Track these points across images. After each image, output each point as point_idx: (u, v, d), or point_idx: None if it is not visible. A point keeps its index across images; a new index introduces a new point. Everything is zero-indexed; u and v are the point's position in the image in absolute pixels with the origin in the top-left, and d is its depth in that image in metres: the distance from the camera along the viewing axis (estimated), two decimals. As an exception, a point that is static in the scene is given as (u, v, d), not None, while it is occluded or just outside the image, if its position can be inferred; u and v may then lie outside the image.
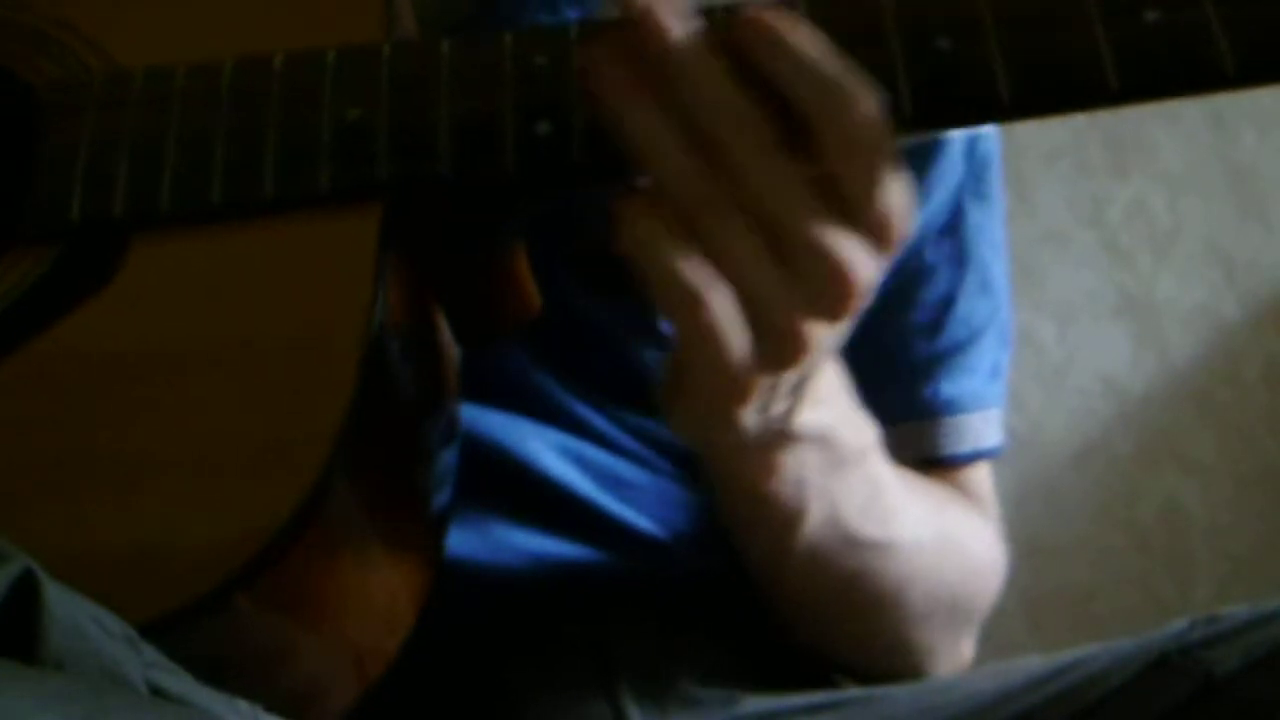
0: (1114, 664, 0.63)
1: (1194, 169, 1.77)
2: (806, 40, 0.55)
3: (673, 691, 0.73)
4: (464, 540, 0.70)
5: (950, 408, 0.81)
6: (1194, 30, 0.55)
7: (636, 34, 0.56)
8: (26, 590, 0.45)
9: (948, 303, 0.81)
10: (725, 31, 0.56)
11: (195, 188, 0.59)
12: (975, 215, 0.83)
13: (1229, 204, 1.76)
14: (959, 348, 0.82)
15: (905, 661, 0.78)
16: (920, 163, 0.80)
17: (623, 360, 0.76)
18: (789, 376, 0.58)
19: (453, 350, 0.64)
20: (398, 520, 0.60)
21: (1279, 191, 1.76)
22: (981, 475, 0.84)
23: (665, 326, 0.75)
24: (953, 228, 0.82)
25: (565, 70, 0.58)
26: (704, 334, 0.56)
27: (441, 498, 0.63)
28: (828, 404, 0.64)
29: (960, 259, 0.82)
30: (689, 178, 0.55)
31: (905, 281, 0.81)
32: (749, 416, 0.59)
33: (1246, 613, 0.61)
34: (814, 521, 0.68)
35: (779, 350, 0.56)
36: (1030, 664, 0.69)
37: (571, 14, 0.75)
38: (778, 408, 0.60)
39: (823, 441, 0.65)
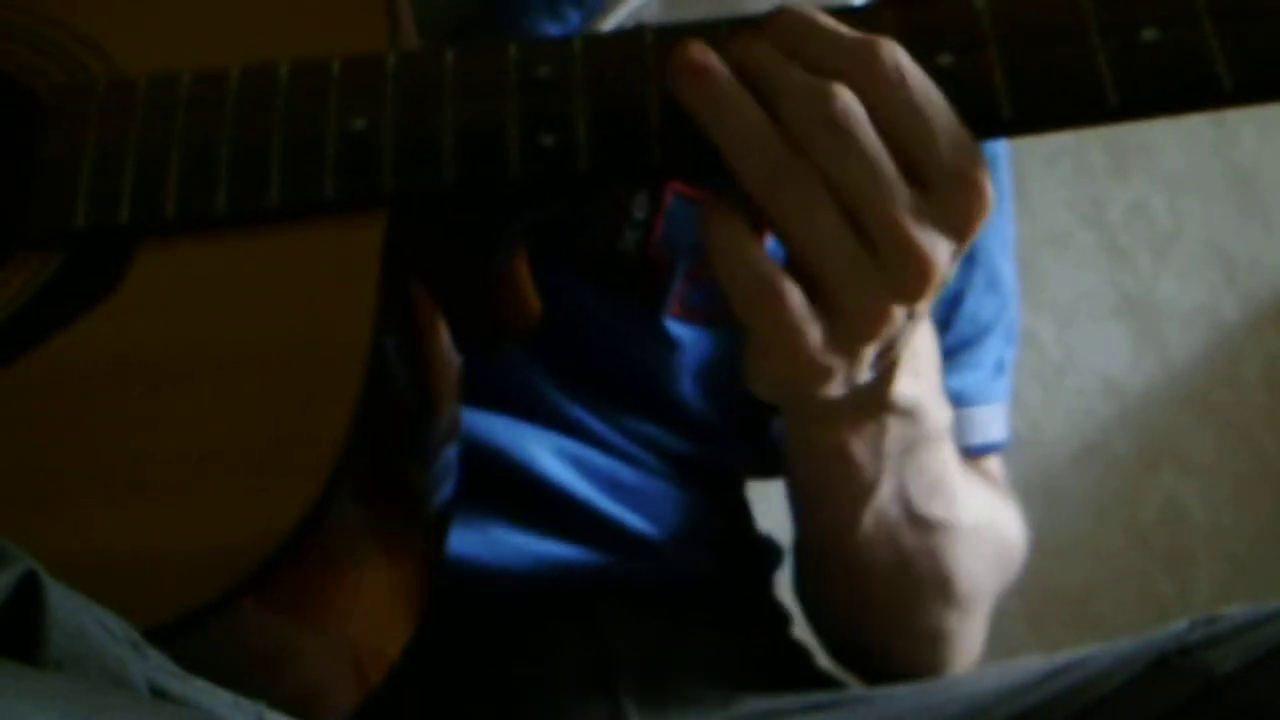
0: (1114, 664, 0.63)
1: (1194, 169, 1.77)
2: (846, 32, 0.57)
3: (672, 692, 0.73)
4: (464, 542, 0.70)
5: (957, 400, 0.82)
6: (1192, 48, 0.55)
7: (724, 33, 0.57)
8: (29, 592, 0.45)
9: (956, 300, 0.82)
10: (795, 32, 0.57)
11: (200, 195, 0.59)
12: None
13: (1229, 204, 1.77)
14: (965, 344, 0.82)
15: (933, 651, 0.79)
16: None
17: (626, 361, 0.76)
18: (869, 351, 0.60)
19: (454, 356, 0.64)
20: (400, 524, 0.60)
21: (1279, 191, 1.77)
22: (995, 467, 0.85)
23: (671, 326, 0.76)
24: None
25: (569, 81, 0.58)
26: (782, 328, 0.57)
27: (441, 494, 0.63)
28: (923, 378, 0.66)
29: (969, 256, 0.82)
30: (775, 161, 0.56)
31: None
32: (835, 389, 0.60)
33: (1246, 613, 0.61)
34: (884, 494, 0.69)
35: (857, 331, 0.58)
36: (1030, 664, 0.69)
37: (574, 16, 0.75)
38: (864, 376, 0.61)
39: (911, 415, 0.66)
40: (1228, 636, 0.60)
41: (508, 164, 0.58)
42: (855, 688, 0.79)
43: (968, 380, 0.82)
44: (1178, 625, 0.63)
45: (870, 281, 0.56)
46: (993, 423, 0.84)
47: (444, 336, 0.63)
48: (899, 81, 0.55)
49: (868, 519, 0.70)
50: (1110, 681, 0.62)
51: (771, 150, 0.56)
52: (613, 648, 0.73)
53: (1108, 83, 0.55)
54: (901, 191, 0.55)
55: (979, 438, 0.83)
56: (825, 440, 0.67)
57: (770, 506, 0.89)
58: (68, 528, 0.54)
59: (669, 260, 0.74)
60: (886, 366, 0.62)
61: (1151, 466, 1.72)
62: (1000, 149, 0.84)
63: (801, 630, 0.83)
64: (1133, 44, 0.55)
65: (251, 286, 0.58)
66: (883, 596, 0.76)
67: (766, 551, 0.84)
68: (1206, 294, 1.75)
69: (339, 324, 0.56)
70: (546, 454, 0.74)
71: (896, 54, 0.55)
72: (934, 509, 0.72)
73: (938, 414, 0.69)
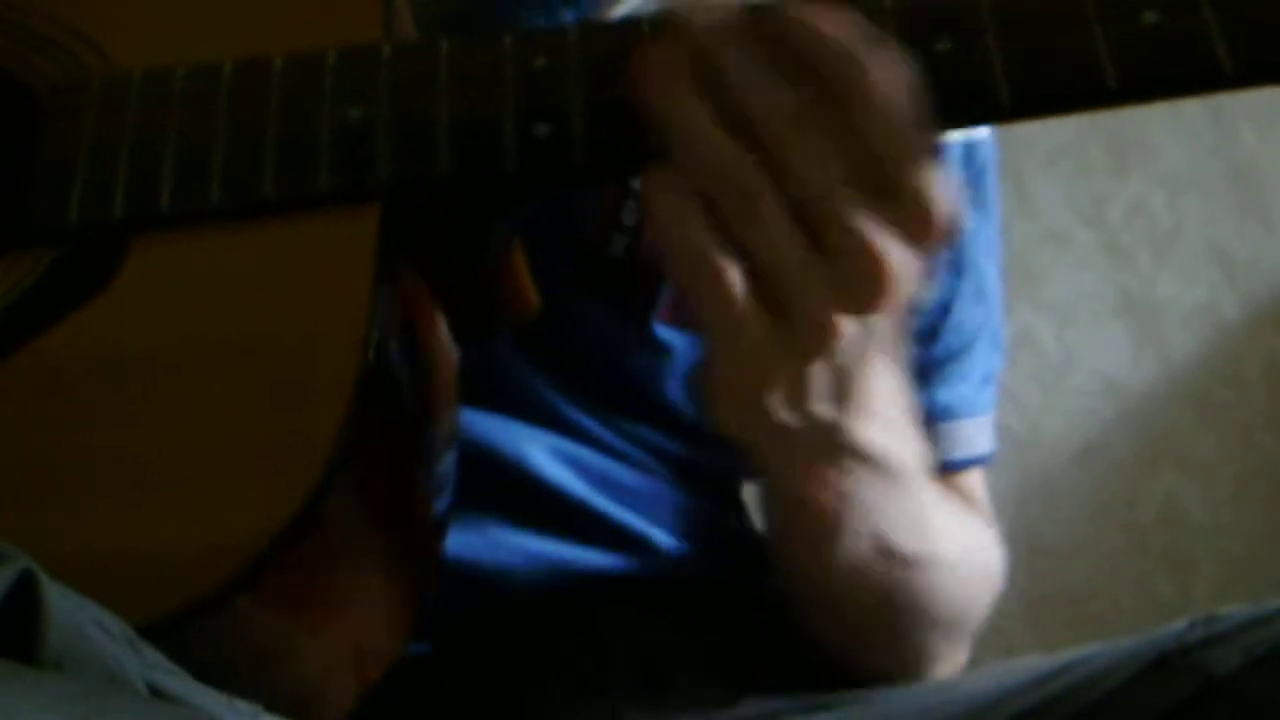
0: (1114, 664, 0.63)
1: (1194, 169, 1.77)
2: (831, 17, 0.55)
3: (670, 692, 0.73)
4: (461, 542, 0.70)
5: (945, 414, 0.81)
6: (1192, 31, 0.55)
7: (672, 19, 0.57)
8: (26, 591, 0.45)
9: (943, 310, 0.81)
10: (754, 18, 0.56)
11: (195, 189, 0.59)
12: (972, 222, 0.83)
13: (1229, 204, 1.77)
14: (953, 355, 0.82)
15: (917, 667, 0.78)
16: None
17: (617, 365, 0.76)
18: (820, 370, 0.58)
19: (452, 350, 0.64)
20: (397, 521, 0.60)
21: (1279, 191, 1.77)
22: (976, 481, 0.84)
23: (661, 331, 0.75)
24: None
25: (565, 72, 0.58)
26: (722, 311, 0.56)
27: (441, 500, 0.63)
28: (886, 424, 0.63)
29: (956, 266, 0.82)
30: (722, 156, 0.55)
31: None
32: (781, 409, 0.59)
33: (1246, 613, 0.61)
34: (854, 536, 0.67)
35: (804, 337, 0.56)
36: (1030, 664, 0.69)
37: (568, 14, 0.75)
38: (818, 407, 0.59)
39: (878, 463, 0.64)
40: (1228, 636, 0.60)
41: (503, 155, 0.58)
42: (852, 689, 0.79)
43: (957, 393, 0.82)
44: (1178, 625, 0.62)
45: (820, 284, 0.55)
46: (978, 436, 0.83)
47: (441, 328, 0.63)
48: (902, 117, 0.54)
49: (839, 558, 0.68)
50: (1110, 681, 0.62)
51: (721, 147, 0.55)
52: (611, 647, 0.73)
53: (1107, 66, 0.55)
54: (859, 196, 0.55)
55: (963, 452, 0.82)
56: (788, 482, 0.65)
57: (769, 506, 0.89)
58: (63, 525, 0.54)
59: (658, 266, 0.73)
60: (844, 403, 0.60)
61: (1151, 466, 1.73)
62: (990, 160, 0.84)
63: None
64: (1133, 27, 0.55)
65: (246, 281, 0.58)
66: (865, 625, 0.75)
67: (764, 551, 0.84)
68: (1206, 294, 1.75)
69: (334, 317, 0.56)
70: (542, 454, 0.74)
71: (900, 73, 0.54)
72: (911, 545, 0.70)
73: (909, 456, 0.66)
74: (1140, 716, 0.60)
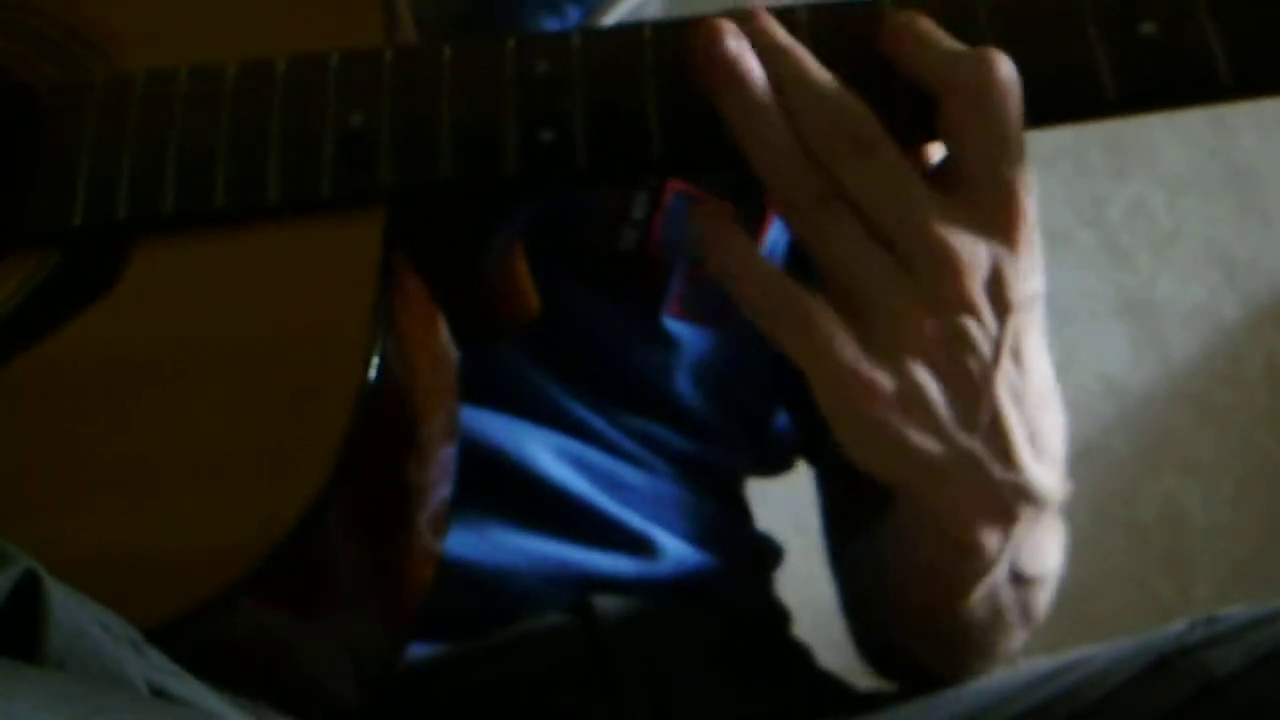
0: (1114, 664, 0.63)
1: (1194, 169, 1.77)
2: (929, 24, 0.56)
3: (672, 691, 0.73)
4: (463, 541, 0.70)
5: None
6: (1190, 42, 0.55)
7: (748, 26, 0.56)
8: (29, 591, 0.45)
9: None
10: (836, 25, 0.56)
11: (198, 192, 0.59)
12: None
13: (1229, 204, 1.77)
14: None
15: (994, 667, 0.77)
16: None
17: (621, 362, 0.76)
18: (934, 385, 0.56)
19: (453, 352, 0.64)
20: (399, 522, 0.60)
21: (1279, 191, 1.77)
22: None
23: (670, 325, 0.75)
24: None
25: (567, 77, 0.58)
26: (805, 335, 0.55)
27: (441, 494, 0.63)
28: (1055, 463, 0.61)
29: None
30: (792, 167, 0.55)
31: None
32: (914, 434, 0.56)
33: (1246, 613, 0.61)
34: (1000, 571, 0.65)
35: (894, 339, 0.55)
36: (1030, 664, 0.69)
37: (574, 13, 0.75)
38: (953, 431, 0.56)
39: (1043, 504, 0.61)
40: (1228, 637, 0.60)
41: (506, 160, 0.58)
42: (858, 694, 0.79)
43: None
44: (1178, 625, 0.63)
45: (896, 285, 0.54)
46: None
47: (442, 331, 0.63)
48: (1001, 111, 0.54)
49: (979, 591, 0.66)
50: (1110, 681, 0.62)
51: (795, 166, 0.55)
52: (613, 647, 0.73)
53: (1106, 77, 0.55)
54: (927, 197, 0.54)
55: None
56: (950, 526, 0.62)
57: (770, 506, 0.89)
58: (67, 528, 0.54)
59: (668, 259, 0.73)
60: (994, 431, 0.57)
61: (1151, 466, 1.73)
62: None
63: (801, 630, 0.83)
64: (1131, 38, 0.55)
65: (249, 283, 0.58)
66: (969, 641, 0.74)
67: (766, 551, 0.84)
68: (1206, 294, 1.75)
69: (338, 321, 0.56)
70: (545, 453, 0.74)
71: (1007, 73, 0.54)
72: (1033, 568, 0.67)
73: (1059, 489, 0.62)
74: (1140, 717, 0.60)
